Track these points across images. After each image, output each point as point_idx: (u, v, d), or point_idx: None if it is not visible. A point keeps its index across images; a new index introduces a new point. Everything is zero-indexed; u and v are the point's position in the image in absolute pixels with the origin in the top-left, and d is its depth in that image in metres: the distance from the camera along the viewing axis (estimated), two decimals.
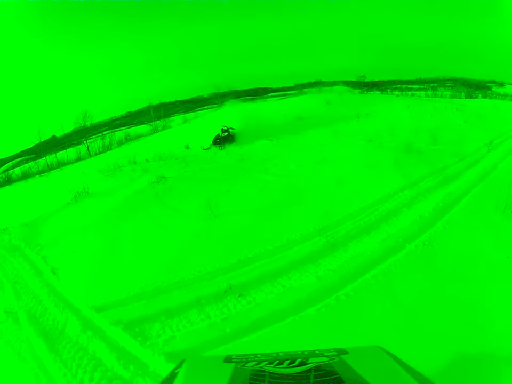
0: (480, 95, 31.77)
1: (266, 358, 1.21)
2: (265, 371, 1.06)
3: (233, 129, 20.21)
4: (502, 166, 10.96)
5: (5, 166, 33.35)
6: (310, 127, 19.77)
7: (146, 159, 18.61)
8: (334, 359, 1.13)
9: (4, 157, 34.68)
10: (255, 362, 1.17)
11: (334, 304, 5.27)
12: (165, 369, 4.62)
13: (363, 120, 19.15)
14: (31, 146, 34.86)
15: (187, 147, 20.83)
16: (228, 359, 1.24)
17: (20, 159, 34.75)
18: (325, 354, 1.21)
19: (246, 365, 1.14)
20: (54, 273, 8.38)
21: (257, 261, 6.87)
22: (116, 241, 9.04)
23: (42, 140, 34.94)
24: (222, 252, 7.31)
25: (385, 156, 12.06)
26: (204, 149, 19.26)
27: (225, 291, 5.98)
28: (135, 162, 18.25)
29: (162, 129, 36.57)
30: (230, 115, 23.58)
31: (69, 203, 13.43)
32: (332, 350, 1.26)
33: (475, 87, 33.16)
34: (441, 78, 35.09)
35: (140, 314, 5.81)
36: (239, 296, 5.82)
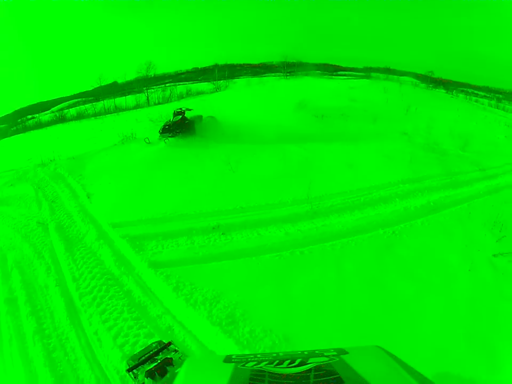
0: None
1: (266, 358, 1.20)
2: (265, 371, 1.06)
3: (189, 109, 15.23)
4: None
5: (61, 105, 33.85)
6: (355, 110, 19.17)
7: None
8: (334, 359, 1.13)
9: (62, 96, 35.42)
10: (255, 362, 1.16)
11: (287, 256, 6.38)
12: (144, 272, 6.28)
13: (410, 114, 18.50)
14: (90, 89, 35.18)
15: (238, 110, 19.00)
16: (227, 359, 1.23)
17: (77, 100, 35.04)
18: (325, 354, 1.20)
19: (246, 365, 1.14)
20: (88, 197, 10.01)
21: (248, 212, 8.10)
22: (144, 179, 10.57)
23: (102, 84, 35.24)
24: (223, 200, 8.59)
25: (408, 150, 12.12)
26: (147, 143, 14.64)
27: (213, 228, 7.37)
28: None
29: (224, 89, 35.97)
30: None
31: (115, 144, 15.31)
32: (332, 350, 1.25)
33: None
34: (508, 91, 33.43)
35: (144, 233, 7.46)
36: (222, 234, 7.20)
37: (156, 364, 2.10)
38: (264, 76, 41.43)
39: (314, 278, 5.87)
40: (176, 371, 1.31)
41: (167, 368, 2.10)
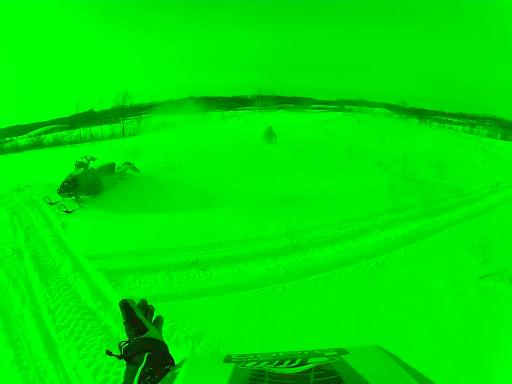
0: None
1: (266, 358, 1.09)
2: (265, 371, 0.97)
3: (94, 159, 12.46)
4: (498, 209, 10.99)
5: (38, 130, 33.99)
6: (330, 143, 19.74)
7: (172, 147, 19.04)
8: (334, 359, 1.02)
9: (39, 121, 35.49)
10: (255, 362, 1.05)
11: (270, 292, 6.24)
12: None
13: (385, 145, 19.09)
14: (67, 116, 35.34)
15: (214, 142, 19.97)
16: (227, 359, 1.11)
17: (54, 126, 35.18)
18: (325, 354, 1.07)
19: (246, 365, 1.04)
20: (63, 227, 9.78)
21: (227, 247, 7.96)
22: (119, 211, 10.38)
23: (79, 112, 35.34)
24: (201, 235, 8.48)
25: (385, 180, 12.28)
26: (48, 203, 11.75)
27: (192, 263, 7.21)
28: (162, 148, 18.92)
29: (199, 122, 36.07)
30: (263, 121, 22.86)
31: None
32: (332, 350, 1.10)
33: None
34: (481, 116, 34.41)
35: (120, 267, 7.27)
36: (201, 269, 7.04)
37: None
38: (238, 109, 41.92)
39: (299, 313, 5.75)
40: (176, 371, 1.01)
41: None
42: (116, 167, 13.21)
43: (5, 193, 13.62)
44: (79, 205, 11.40)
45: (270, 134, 20.31)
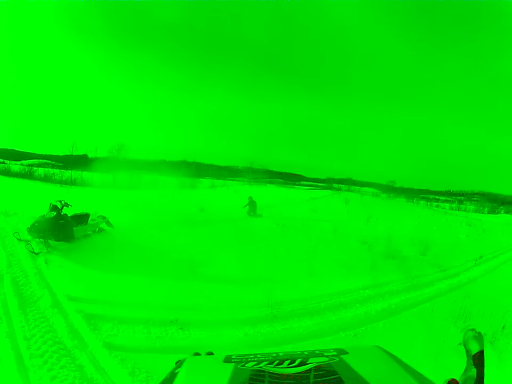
0: (502, 211, 31.72)
1: (266, 358, 1.20)
2: (265, 371, 1.06)
3: (68, 205, 11.88)
4: (480, 280, 11.29)
5: (31, 161, 34.37)
6: (316, 221, 20.25)
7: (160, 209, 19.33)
8: (334, 359, 1.13)
9: (33, 152, 35.89)
10: (255, 362, 1.16)
11: None
12: (98, 351, 6.04)
13: (370, 224, 19.45)
14: (60, 155, 35.66)
15: (202, 210, 20.48)
16: (227, 359, 1.23)
17: (47, 161, 35.47)
18: (325, 354, 1.20)
19: (246, 365, 1.13)
20: (46, 262, 9.82)
21: (208, 311, 7.93)
22: (103, 260, 10.50)
23: (73, 153, 35.64)
24: (182, 297, 8.52)
25: (367, 258, 12.49)
26: (18, 239, 11.43)
27: (171, 321, 7.20)
28: (149, 207, 19.34)
29: (188, 187, 36.48)
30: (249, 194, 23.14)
31: None
32: (332, 350, 1.25)
33: (500, 203, 33.18)
34: (469, 192, 35.28)
35: (100, 313, 7.28)
36: (180, 328, 7.04)
37: None
38: (228, 179, 42.55)
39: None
40: (176, 371, 1.18)
41: None
42: (90, 218, 12.92)
43: None
44: (47, 249, 10.98)
45: (252, 204, 20.91)
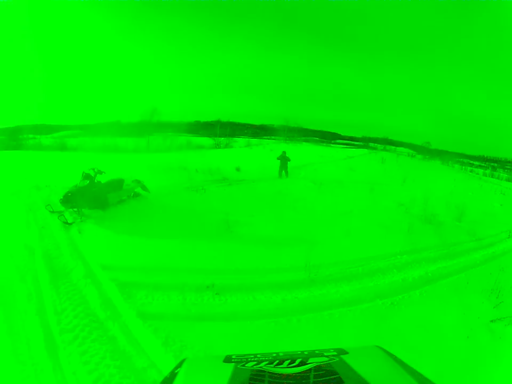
0: None
1: (266, 358, 1.22)
2: (265, 371, 1.06)
3: (101, 172, 11.74)
4: None
5: (62, 133, 34.47)
6: (354, 180, 19.85)
7: (196, 169, 19.18)
8: (334, 359, 1.14)
9: (64, 124, 35.86)
10: (255, 362, 1.17)
11: (284, 323, 6.11)
12: (132, 321, 6.00)
13: (407, 185, 19.05)
14: (92, 124, 35.67)
15: (238, 169, 20.07)
16: (227, 359, 1.25)
17: (78, 131, 35.50)
18: (325, 354, 1.22)
19: (246, 365, 1.14)
20: (79, 232, 9.77)
21: (244, 274, 7.85)
22: (123, 232, 10.18)
23: (106, 121, 35.57)
24: (219, 259, 8.42)
25: (405, 221, 12.23)
26: (50, 211, 11.44)
27: (207, 287, 7.11)
28: (185, 169, 18.98)
29: (224, 147, 36.44)
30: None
31: None
32: (332, 350, 1.31)
33: None
34: (502, 159, 34.28)
35: (134, 280, 7.21)
36: (216, 294, 6.93)
37: None
38: (264, 138, 42.11)
39: (309, 346, 5.60)
40: (176, 371, 1.22)
41: None
42: (124, 183, 12.76)
43: (23, 190, 13.77)
44: (80, 218, 10.96)
45: (284, 160, 19.76)
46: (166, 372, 4.97)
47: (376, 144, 40.64)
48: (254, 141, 39.72)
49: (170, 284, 7.24)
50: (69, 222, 10.60)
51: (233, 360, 1.24)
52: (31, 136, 34.00)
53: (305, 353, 1.28)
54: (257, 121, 43.98)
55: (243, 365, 1.16)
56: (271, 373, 1.06)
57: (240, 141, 39.61)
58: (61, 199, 11.00)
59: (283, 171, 19.63)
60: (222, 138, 38.41)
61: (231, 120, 41.92)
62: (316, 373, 1.02)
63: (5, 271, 7.57)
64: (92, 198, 11.24)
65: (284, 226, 11.05)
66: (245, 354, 1.35)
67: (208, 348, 5.37)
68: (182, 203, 12.94)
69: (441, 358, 5.56)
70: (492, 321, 6.76)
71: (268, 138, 42.11)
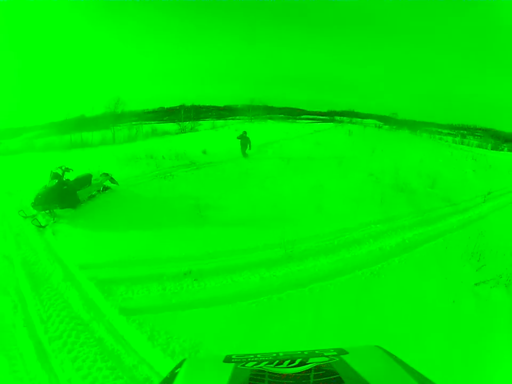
0: (506, 148, 31.38)
1: (266, 358, 1.22)
2: (265, 371, 1.07)
3: (69, 170, 11.54)
4: (490, 217, 11.03)
5: (28, 134, 33.82)
6: (322, 154, 19.64)
7: (162, 156, 18.93)
8: (334, 359, 1.14)
9: (28, 126, 35.14)
10: (255, 362, 1.17)
11: (265, 303, 6.17)
12: (115, 319, 5.98)
13: (376, 155, 19.04)
14: (58, 121, 35.11)
15: (204, 152, 19.76)
16: (227, 359, 1.24)
17: (45, 130, 34.85)
18: (325, 354, 1.22)
19: (246, 365, 1.14)
20: (53, 234, 9.63)
21: (220, 257, 7.88)
22: (97, 228, 10.08)
23: (70, 117, 35.11)
24: (193, 245, 8.40)
25: (376, 190, 12.28)
26: (23, 217, 11.05)
27: (185, 274, 7.12)
28: (151, 157, 18.74)
29: (190, 131, 36.29)
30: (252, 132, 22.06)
31: None
32: (332, 350, 1.28)
33: (503, 140, 32.74)
34: (471, 127, 34.72)
35: (112, 277, 7.16)
36: (194, 280, 6.95)
37: None
38: (229, 119, 42.00)
39: (294, 323, 5.72)
40: (176, 371, 1.17)
41: None
42: (92, 178, 12.59)
43: None
44: (53, 219, 10.73)
45: (244, 140, 19.28)
46: (156, 367, 5.00)
47: (342, 118, 40.78)
48: (219, 122, 39.61)
49: (148, 275, 7.24)
50: (42, 225, 10.39)
51: (233, 360, 1.23)
52: None
53: (305, 353, 1.28)
54: (221, 103, 43.52)
55: (243, 365, 1.16)
56: (271, 373, 1.06)
57: (205, 123, 39.51)
58: (32, 203, 10.79)
59: (245, 151, 19.30)
60: (187, 122, 38.32)
61: (195, 104, 41.60)
62: (315, 373, 1.03)
63: None
64: (62, 197, 11.05)
65: (255, 206, 11.10)
66: (245, 354, 1.32)
67: (194, 337, 5.41)
68: (151, 192, 12.90)
69: (429, 325, 5.67)
70: (476, 284, 6.88)
71: (233, 119, 41.97)
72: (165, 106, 42.29)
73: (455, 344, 5.26)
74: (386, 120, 38.68)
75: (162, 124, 38.76)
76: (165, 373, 4.31)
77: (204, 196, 11.99)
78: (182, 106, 40.59)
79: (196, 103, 41.87)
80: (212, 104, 44.01)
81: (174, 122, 38.89)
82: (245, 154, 18.94)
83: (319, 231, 9.11)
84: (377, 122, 38.47)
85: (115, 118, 36.49)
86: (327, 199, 11.67)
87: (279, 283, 6.83)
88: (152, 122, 39.49)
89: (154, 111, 42.00)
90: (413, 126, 36.52)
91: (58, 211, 11.14)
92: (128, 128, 36.24)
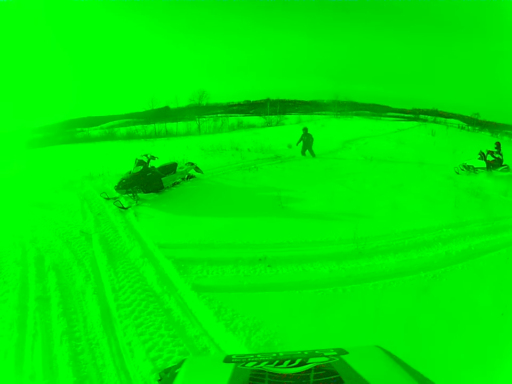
0: None
1: (266, 358, 1.21)
2: (265, 371, 1.07)
3: (154, 158, 12.20)
4: None
5: (111, 123, 34.79)
6: (404, 153, 19.62)
7: (248, 149, 19.19)
8: (334, 359, 1.13)
9: (112, 115, 36.28)
10: (255, 362, 1.17)
11: (330, 293, 6.46)
12: (187, 294, 6.44)
13: (456, 157, 18.49)
14: (141, 111, 36.04)
15: (289, 146, 19.72)
16: (227, 359, 1.24)
17: (127, 120, 35.82)
18: (325, 354, 1.21)
19: (246, 365, 1.14)
20: (135, 215, 10.19)
21: (295, 247, 8.23)
22: (193, 205, 10.90)
23: (154, 108, 35.95)
24: (271, 234, 8.83)
25: (452, 194, 12.20)
26: (105, 198, 11.72)
27: (260, 259, 7.55)
28: (237, 149, 19.09)
29: (276, 125, 36.38)
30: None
31: None
32: (332, 350, 1.27)
33: None
34: None
35: (190, 257, 7.66)
36: (268, 266, 7.37)
37: None
38: (315, 114, 41.78)
39: (353, 314, 5.97)
40: (176, 371, 1.21)
41: None
42: (178, 167, 13.17)
43: (76, 180, 14.28)
44: (136, 202, 11.37)
45: (307, 139, 18.43)
46: (215, 339, 5.41)
47: (426, 116, 39.74)
48: (304, 117, 39.40)
49: (224, 258, 7.66)
50: (124, 206, 10.97)
51: (233, 360, 1.23)
52: (78, 129, 34.68)
53: (305, 353, 1.28)
54: (307, 98, 43.26)
55: (243, 365, 1.15)
56: (271, 373, 1.06)
57: (291, 117, 39.44)
58: (115, 186, 11.44)
59: (306, 150, 18.55)
60: (273, 116, 38.47)
61: (281, 98, 41.69)
62: (316, 373, 1.03)
63: (62, 257, 8.11)
64: (147, 182, 11.70)
65: (334, 201, 11.39)
66: (244, 355, 1.31)
67: (258, 316, 5.75)
68: (235, 182, 13.43)
69: (474, 332, 5.69)
70: None
71: (319, 114, 41.69)
72: (251, 100, 42.56)
73: (489, 353, 5.26)
74: (469, 121, 37.44)
75: (248, 117, 39.06)
76: (223, 346, 4.74)
77: (286, 188, 12.41)
78: (267, 100, 40.81)
79: (282, 97, 41.98)
80: (298, 99, 43.93)
81: (260, 115, 39.15)
82: (310, 153, 18.55)
83: (392, 230, 9.27)
84: (460, 123, 37.33)
85: (200, 110, 37.14)
86: (404, 198, 11.80)
87: (346, 276, 7.08)
88: (238, 115, 39.87)
89: (240, 104, 42.38)
90: (493, 127, 35.18)
91: (141, 195, 11.81)
92: (213, 120, 36.80)
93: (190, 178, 13.76)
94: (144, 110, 35.70)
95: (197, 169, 13.80)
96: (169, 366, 2.58)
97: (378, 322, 5.80)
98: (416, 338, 5.46)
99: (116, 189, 11.44)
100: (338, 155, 19.07)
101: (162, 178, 12.21)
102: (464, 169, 16.29)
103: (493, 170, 15.71)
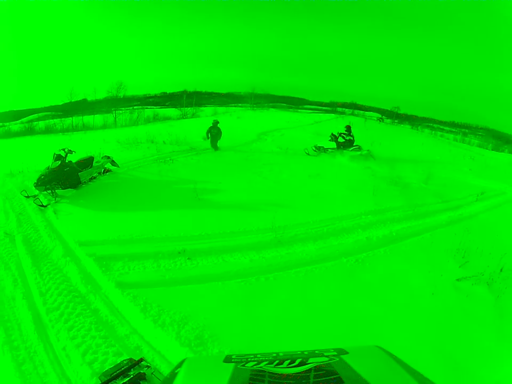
0: (506, 150, 31.12)
1: (266, 358, 1.19)
2: (265, 371, 1.06)
3: (71, 152, 11.95)
4: (480, 217, 11.01)
5: (30, 117, 33.59)
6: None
7: (163, 141, 19.07)
8: (334, 359, 1.12)
9: (31, 108, 35.05)
10: (255, 362, 1.15)
11: (253, 282, 6.55)
12: (111, 292, 6.34)
13: (374, 148, 18.73)
14: (60, 104, 35.01)
15: (205, 138, 18.88)
16: (227, 359, 1.22)
17: (47, 113, 34.72)
18: (325, 354, 1.18)
19: (246, 365, 1.13)
20: (54, 213, 9.96)
21: (213, 238, 8.28)
22: (111, 200, 10.74)
23: (72, 100, 35.02)
24: (189, 226, 8.81)
25: (371, 182, 12.57)
26: (25, 196, 11.32)
27: (179, 252, 7.52)
28: (152, 142, 18.96)
29: (191, 117, 36.21)
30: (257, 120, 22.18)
31: None
32: (332, 350, 1.23)
33: (505, 141, 32.42)
34: (474, 126, 34.43)
35: (111, 253, 7.55)
36: (188, 258, 7.36)
37: (128, 379, 2.12)
38: (231, 106, 41.82)
39: (278, 302, 6.06)
40: (176, 371, 1.17)
41: (141, 382, 2.12)
42: (94, 161, 12.99)
43: None
44: (55, 199, 11.11)
45: (216, 130, 18.02)
46: (145, 337, 5.40)
47: (344, 109, 40.62)
48: (220, 109, 39.33)
49: (144, 253, 7.61)
50: (44, 204, 10.70)
51: (233, 360, 1.20)
52: (0, 124, 33.32)
53: (305, 353, 1.23)
54: (223, 90, 43.08)
55: (243, 365, 1.13)
56: (271, 373, 1.04)
57: (207, 109, 39.26)
58: (34, 183, 11.20)
59: (215, 142, 18.21)
60: (188, 108, 38.24)
61: (197, 90, 41.38)
62: (315, 373, 1.01)
63: None
64: (64, 178, 11.51)
65: (251, 191, 11.51)
66: (244, 354, 1.26)
67: (184, 310, 5.77)
68: (151, 175, 13.35)
69: (408, 312, 5.95)
70: (457, 279, 7.08)
71: (235, 106, 41.81)
72: (168, 92, 42.05)
73: (425, 332, 5.51)
74: (388, 114, 38.54)
75: (164, 109, 38.59)
76: (154, 343, 4.69)
77: (202, 180, 12.42)
78: (184, 92, 40.41)
79: (198, 89, 41.67)
80: (214, 91, 43.72)
81: (175, 107, 38.81)
82: (215, 147, 18.21)
83: (311, 218, 9.42)
84: (379, 116, 38.35)
85: (117, 102, 36.43)
86: (322, 188, 12.05)
87: (267, 265, 7.18)
88: (154, 107, 39.32)
89: (156, 96, 41.80)
90: (414, 121, 36.44)
91: (60, 191, 11.53)
92: (130, 112, 36.24)
93: (106, 173, 13.54)
94: (62, 103, 34.60)
95: (113, 162, 13.58)
96: (106, 368, 2.48)
97: (308, 307, 5.94)
98: (350, 320, 5.63)
99: (35, 186, 11.20)
100: (254, 146, 19.16)
101: (79, 173, 12.01)
102: (316, 150, 17.58)
103: (344, 150, 17.06)
